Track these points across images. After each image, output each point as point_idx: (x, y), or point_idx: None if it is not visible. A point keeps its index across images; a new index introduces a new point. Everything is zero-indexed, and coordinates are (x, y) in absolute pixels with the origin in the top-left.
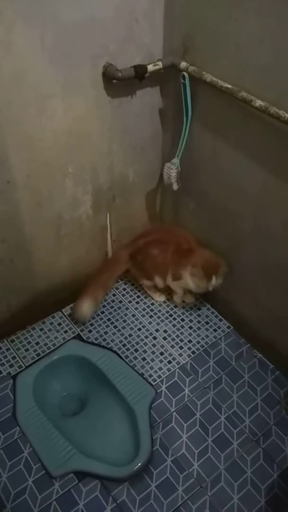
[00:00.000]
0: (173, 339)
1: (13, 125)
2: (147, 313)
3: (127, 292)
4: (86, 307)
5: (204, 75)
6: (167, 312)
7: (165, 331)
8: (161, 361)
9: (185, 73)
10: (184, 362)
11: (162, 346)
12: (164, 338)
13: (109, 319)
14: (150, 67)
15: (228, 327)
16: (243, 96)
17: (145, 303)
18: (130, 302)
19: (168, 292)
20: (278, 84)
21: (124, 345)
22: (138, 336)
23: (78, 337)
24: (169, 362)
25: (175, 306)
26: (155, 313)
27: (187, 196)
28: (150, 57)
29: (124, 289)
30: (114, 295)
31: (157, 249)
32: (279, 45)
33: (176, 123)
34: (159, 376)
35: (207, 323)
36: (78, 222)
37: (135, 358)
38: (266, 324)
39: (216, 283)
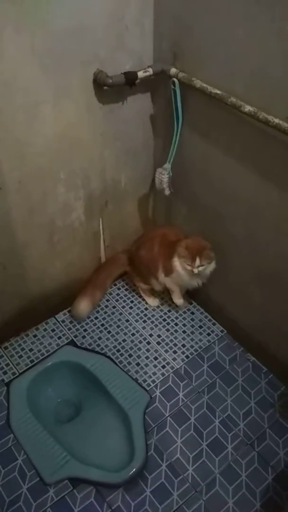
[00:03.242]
0: (166, 344)
1: (4, 131)
2: (141, 318)
3: (121, 298)
4: (83, 305)
5: (194, 81)
6: (161, 316)
7: (158, 336)
8: (155, 366)
9: (175, 79)
10: (178, 367)
11: (156, 351)
12: (158, 343)
13: (102, 325)
14: (141, 74)
15: (222, 331)
16: (232, 101)
17: (138, 308)
18: (123, 307)
19: (161, 297)
20: (267, 90)
21: (118, 350)
22: (132, 341)
23: (72, 343)
24: (163, 366)
25: (169, 311)
26: (149, 318)
27: (179, 201)
28: (140, 63)
29: (118, 294)
30: (107, 300)
31: (144, 250)
32: (267, 51)
33: (167, 129)
34: (153, 381)
35: (200, 327)
36: (71, 228)
37: (129, 363)
38: (259, 327)
39: (203, 269)
